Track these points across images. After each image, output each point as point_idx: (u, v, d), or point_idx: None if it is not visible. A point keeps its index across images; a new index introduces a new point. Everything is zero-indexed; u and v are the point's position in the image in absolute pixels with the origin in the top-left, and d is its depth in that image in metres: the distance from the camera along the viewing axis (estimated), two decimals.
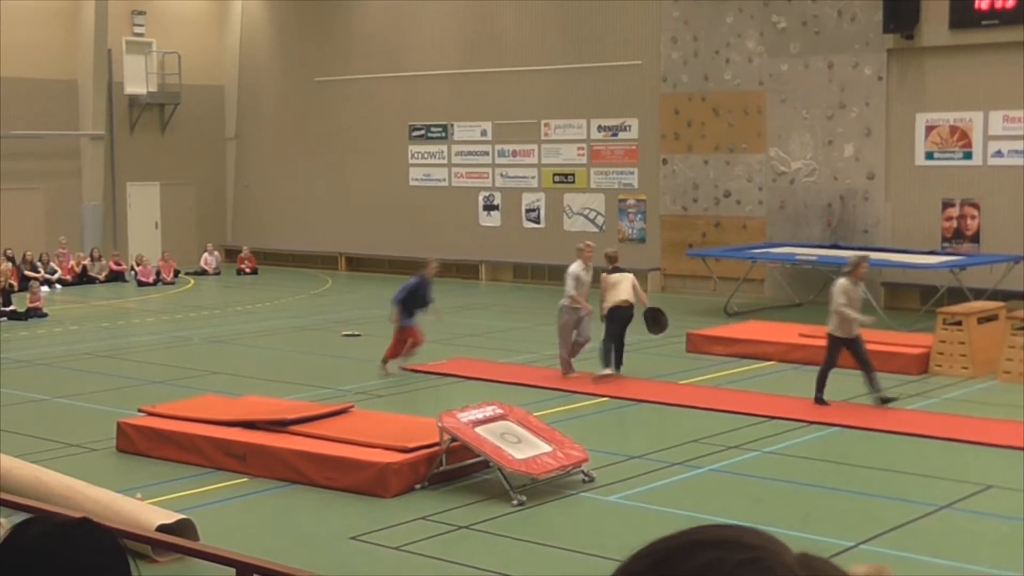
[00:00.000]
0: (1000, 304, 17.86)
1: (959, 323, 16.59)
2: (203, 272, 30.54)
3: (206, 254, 31.05)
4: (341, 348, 19.14)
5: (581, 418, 13.88)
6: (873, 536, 9.48)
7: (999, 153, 22.72)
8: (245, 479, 11.26)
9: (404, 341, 16.60)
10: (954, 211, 23.22)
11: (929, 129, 23.41)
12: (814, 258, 22.48)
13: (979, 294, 20.37)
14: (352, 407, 13.04)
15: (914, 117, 23.52)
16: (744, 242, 24.85)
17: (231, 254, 32.18)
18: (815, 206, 24.62)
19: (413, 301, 16.63)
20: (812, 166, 24.70)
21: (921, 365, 16.61)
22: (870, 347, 17.18)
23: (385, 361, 16.70)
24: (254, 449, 11.49)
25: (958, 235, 23.15)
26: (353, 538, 9.65)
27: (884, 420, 13.67)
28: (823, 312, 22.08)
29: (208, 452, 11.69)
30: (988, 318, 16.97)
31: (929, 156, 23.44)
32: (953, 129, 23.14)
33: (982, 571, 8.74)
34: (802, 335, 18.16)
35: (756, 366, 17.18)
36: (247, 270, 30.75)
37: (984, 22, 22.52)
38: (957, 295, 20.46)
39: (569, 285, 15.79)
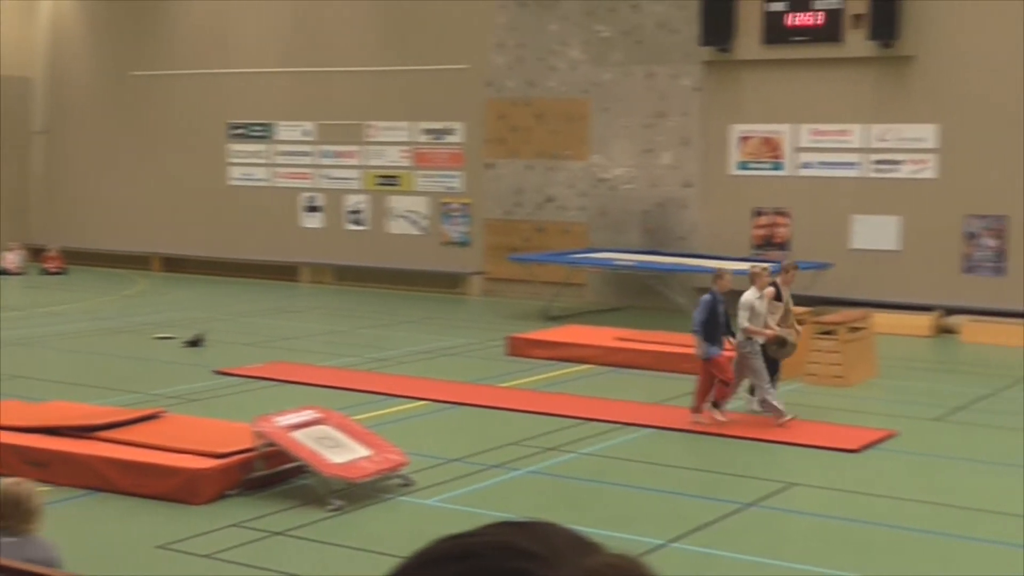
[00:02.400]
0: (807, 309, 18.53)
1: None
2: (4, 272, 29.29)
3: (8, 252, 29.84)
4: (153, 351, 18.67)
5: (401, 421, 13.87)
6: (683, 534, 9.75)
7: (807, 164, 23.62)
8: (47, 488, 10.89)
9: (711, 377, 13.60)
10: (765, 219, 24.03)
11: (742, 140, 24.18)
12: (633, 263, 22.97)
13: None
14: (163, 412, 12.74)
15: (729, 128, 24.26)
16: (566, 247, 25.21)
17: (37, 253, 30.97)
18: (634, 212, 25.15)
19: (714, 324, 13.59)
20: (632, 173, 25.23)
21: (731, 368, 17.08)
22: (684, 351, 17.64)
23: (697, 409, 13.70)
24: (57, 456, 11.10)
25: (768, 243, 23.97)
26: (160, 547, 9.43)
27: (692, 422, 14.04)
28: (642, 316, 22.68)
29: (5, 460, 11.22)
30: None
31: (742, 166, 24.21)
32: (765, 140, 23.96)
33: (786, 566, 9.07)
34: (620, 339, 18.53)
35: (575, 369, 17.45)
36: (54, 270, 29.69)
37: (794, 38, 23.39)
38: None
39: (742, 316, 13.50)
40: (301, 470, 10.97)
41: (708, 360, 13.47)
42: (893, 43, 22.45)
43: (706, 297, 13.74)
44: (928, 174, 22.62)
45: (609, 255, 23.94)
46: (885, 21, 22.37)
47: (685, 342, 18.18)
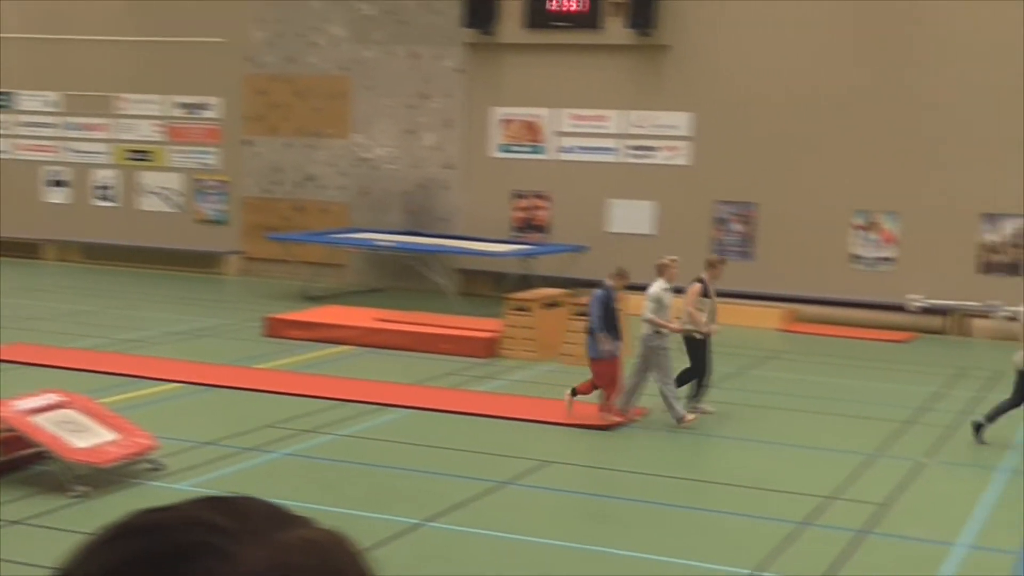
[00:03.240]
0: (564, 291, 18.87)
1: (526, 309, 17.38)
2: None
3: None
4: None
5: (152, 404, 13.37)
6: (439, 513, 9.73)
7: (567, 149, 24.02)
8: None
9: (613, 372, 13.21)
10: (525, 202, 24.33)
11: (504, 123, 24.39)
12: (394, 244, 22.88)
13: (546, 281, 21.44)
14: None
15: (491, 110, 24.42)
16: (327, 226, 24.90)
17: None
18: (396, 193, 25.04)
19: (611, 322, 13.06)
20: (394, 154, 25.10)
21: (490, 349, 17.26)
22: (443, 332, 17.71)
23: (575, 393, 13.28)
24: None
25: (528, 225, 24.28)
26: None
27: (453, 402, 14.09)
28: (403, 297, 22.63)
29: None
30: (552, 304, 17.88)
31: (503, 149, 24.42)
32: (526, 124, 24.23)
33: (540, 542, 9.17)
34: (379, 319, 18.42)
35: (335, 350, 17.24)
36: None
37: (556, 23, 23.73)
38: (526, 282, 21.45)
39: (650, 308, 13.06)
40: (42, 456, 10.42)
41: (595, 360, 12.99)
42: (650, 32, 23.05)
43: (599, 293, 13.22)
44: (681, 161, 23.35)
45: (370, 235, 23.76)
46: (643, 10, 22.93)
47: (445, 323, 18.27)
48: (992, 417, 12.86)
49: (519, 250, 22.56)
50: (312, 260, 23.79)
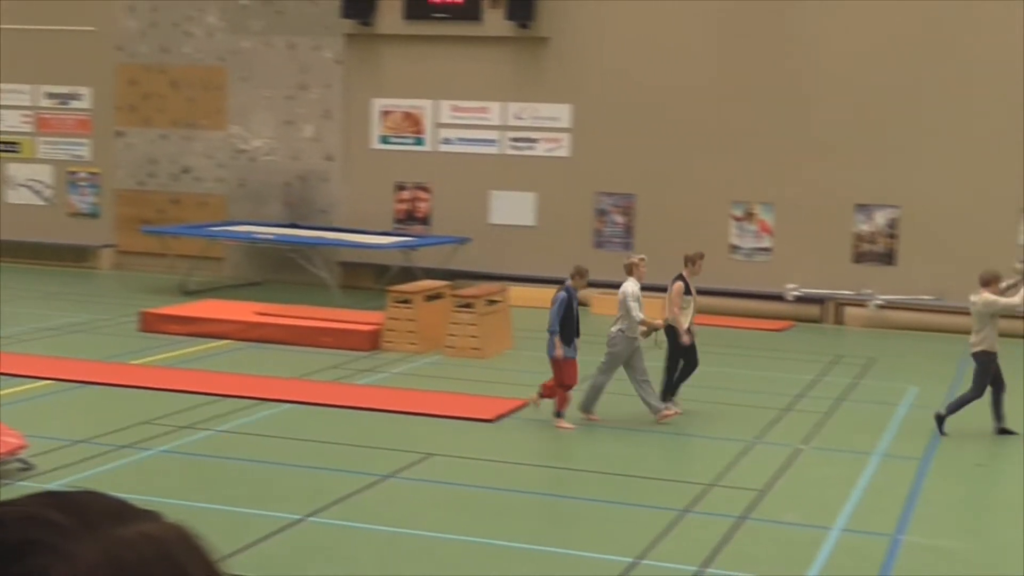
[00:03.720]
0: (446, 283, 18.80)
1: (408, 301, 17.27)
2: None
3: None
4: None
5: (22, 403, 12.95)
6: (320, 508, 9.59)
7: (448, 140, 23.94)
8: None
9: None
10: (407, 194, 24.19)
11: (384, 114, 24.20)
12: (273, 236, 22.55)
13: (429, 273, 21.35)
14: None
15: (371, 102, 24.21)
16: (204, 219, 24.43)
17: None
18: (275, 185, 24.69)
19: (570, 323, 12.82)
20: (272, 145, 24.75)
21: (372, 341, 17.11)
22: (324, 325, 17.52)
23: (559, 414, 12.85)
24: None
25: (410, 217, 24.15)
26: None
27: (335, 396, 13.93)
28: (283, 290, 22.32)
29: None
30: (434, 296, 17.80)
31: (384, 140, 24.24)
32: (406, 115, 24.08)
33: (423, 535, 9.09)
34: (259, 313, 18.14)
35: (212, 345, 16.92)
36: None
37: (435, 15, 23.61)
38: (408, 274, 21.33)
39: (634, 308, 12.79)
40: None
41: (562, 361, 12.71)
42: (529, 24, 23.08)
43: (561, 295, 12.87)
44: (562, 152, 23.44)
45: (248, 228, 23.39)
46: (522, 3, 22.95)
47: (326, 316, 18.06)
48: (952, 409, 13.02)
49: (401, 242, 22.42)
50: (189, 253, 23.33)
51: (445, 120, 23.92)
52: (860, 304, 21.67)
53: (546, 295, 22.35)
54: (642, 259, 13.49)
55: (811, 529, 9.57)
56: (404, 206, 24.19)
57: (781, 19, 22.11)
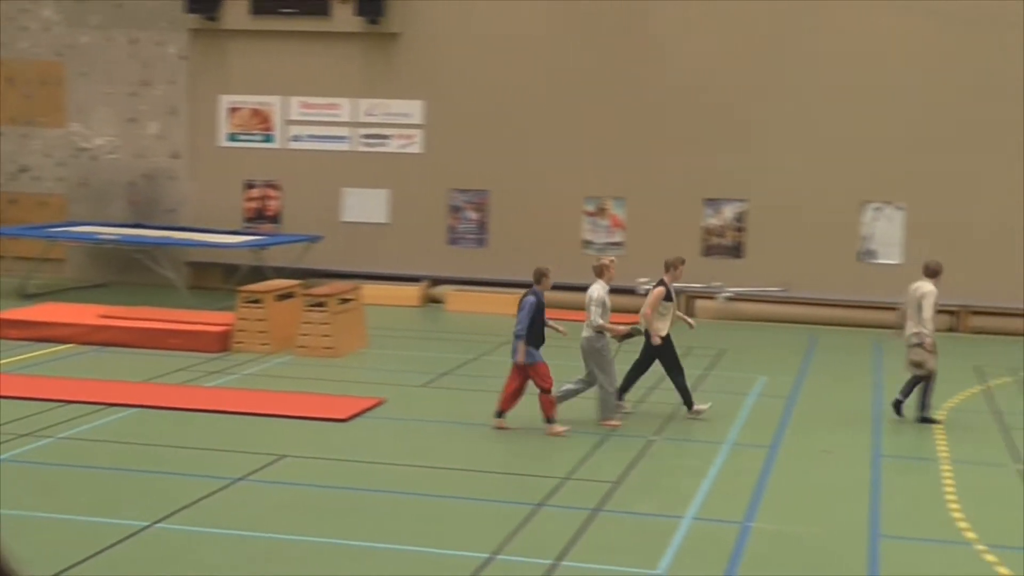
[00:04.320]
0: (298, 282, 18.52)
1: (259, 301, 16.96)
2: None
3: None
4: None
5: None
6: (169, 514, 9.32)
7: (298, 137, 23.60)
8: None
9: (525, 382, 12.59)
10: (256, 192, 23.78)
11: (232, 111, 23.75)
12: (117, 237, 21.93)
13: (279, 272, 21.03)
14: None
15: (218, 98, 23.73)
16: (43, 220, 23.64)
17: None
18: (119, 184, 24.03)
19: (538, 328, 12.44)
20: (115, 143, 24.08)
21: (223, 343, 16.76)
22: (172, 327, 17.11)
23: (550, 420, 12.47)
24: None
25: (260, 215, 23.75)
26: None
27: (184, 399, 13.60)
28: (128, 292, 21.73)
29: None
30: (286, 295, 17.53)
31: (232, 138, 23.78)
32: (254, 112, 23.67)
33: (275, 537, 8.91)
34: (103, 316, 17.61)
35: (54, 349, 16.38)
36: None
37: (283, 10, 23.26)
38: (259, 274, 20.97)
39: (595, 313, 12.60)
40: None
41: (531, 366, 12.35)
42: (379, 20, 22.90)
43: (530, 299, 12.39)
44: (415, 149, 23.32)
45: (91, 229, 22.71)
46: None
47: (174, 318, 17.63)
48: (907, 392, 13.55)
49: (251, 241, 22.02)
50: (28, 255, 22.57)
51: (295, 117, 23.58)
52: (710, 297, 22.07)
53: (402, 293, 22.33)
54: (612, 261, 13.23)
55: (663, 519, 9.67)
56: (254, 204, 23.78)
57: (633, 17, 22.37)
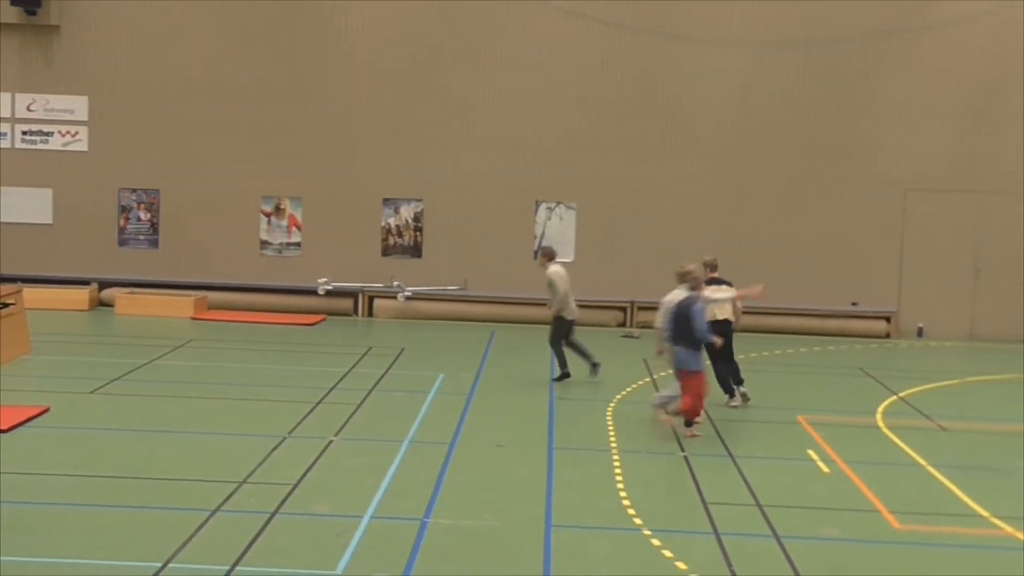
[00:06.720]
0: None
1: None
2: None
3: None
4: None
5: None
6: None
7: None
8: None
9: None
10: None
11: None
12: None
13: None
14: None
15: None
16: None
17: None
18: None
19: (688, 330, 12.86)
20: None
21: None
22: None
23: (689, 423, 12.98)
24: None
25: None
26: None
27: None
28: None
29: None
30: None
31: None
32: None
33: None
34: None
35: None
36: None
37: None
38: None
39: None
40: None
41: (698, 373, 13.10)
42: (37, 11, 21.75)
43: (697, 305, 12.88)
44: (80, 146, 22.28)
45: None
46: None
47: None
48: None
49: None
50: None
51: None
52: (390, 296, 22.18)
53: (69, 297, 21.23)
54: (693, 268, 13.40)
55: (342, 519, 9.59)
56: None
57: (309, 18, 22.17)
